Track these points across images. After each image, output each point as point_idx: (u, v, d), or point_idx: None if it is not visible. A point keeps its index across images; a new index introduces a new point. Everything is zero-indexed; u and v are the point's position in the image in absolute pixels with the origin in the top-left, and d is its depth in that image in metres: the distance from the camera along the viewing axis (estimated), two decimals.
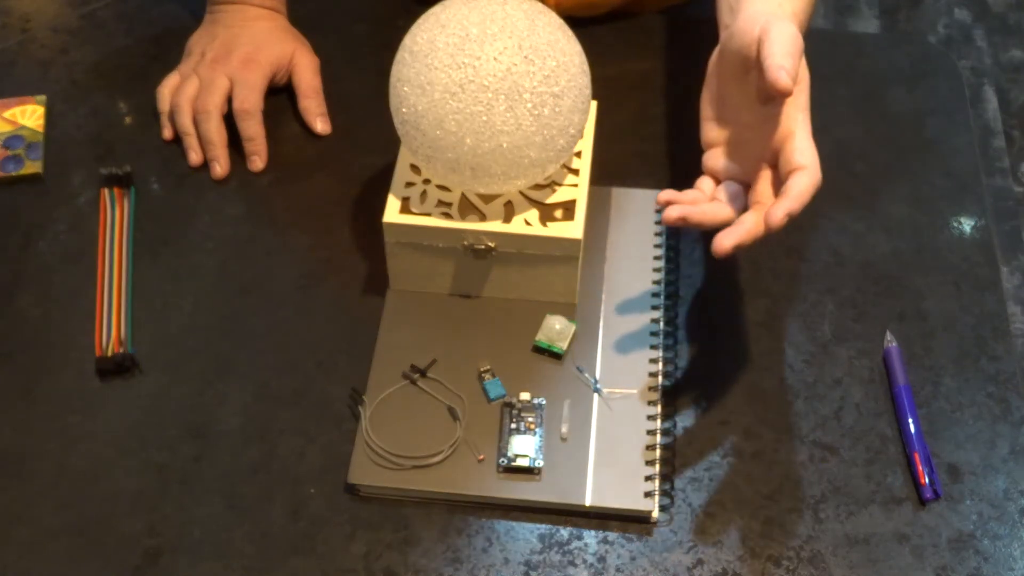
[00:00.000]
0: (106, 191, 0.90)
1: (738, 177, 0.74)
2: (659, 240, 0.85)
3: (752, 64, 0.71)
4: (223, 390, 0.79)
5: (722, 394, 0.79)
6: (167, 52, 0.99)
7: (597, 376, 0.78)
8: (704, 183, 0.75)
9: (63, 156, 0.94)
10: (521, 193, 0.80)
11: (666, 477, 0.74)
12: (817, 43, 1.03)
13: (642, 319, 0.81)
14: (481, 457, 0.75)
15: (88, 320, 0.82)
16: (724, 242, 0.69)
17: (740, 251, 0.69)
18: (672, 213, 0.71)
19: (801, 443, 0.77)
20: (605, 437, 0.75)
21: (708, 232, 0.88)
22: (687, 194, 0.73)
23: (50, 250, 0.88)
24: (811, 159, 0.70)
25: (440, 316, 0.82)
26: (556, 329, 0.79)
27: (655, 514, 0.73)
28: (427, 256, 0.80)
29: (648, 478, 0.73)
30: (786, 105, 0.71)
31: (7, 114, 0.96)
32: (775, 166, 0.72)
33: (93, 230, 0.88)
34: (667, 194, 0.72)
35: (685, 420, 0.78)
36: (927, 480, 0.74)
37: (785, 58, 0.68)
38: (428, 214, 0.78)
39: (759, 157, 0.73)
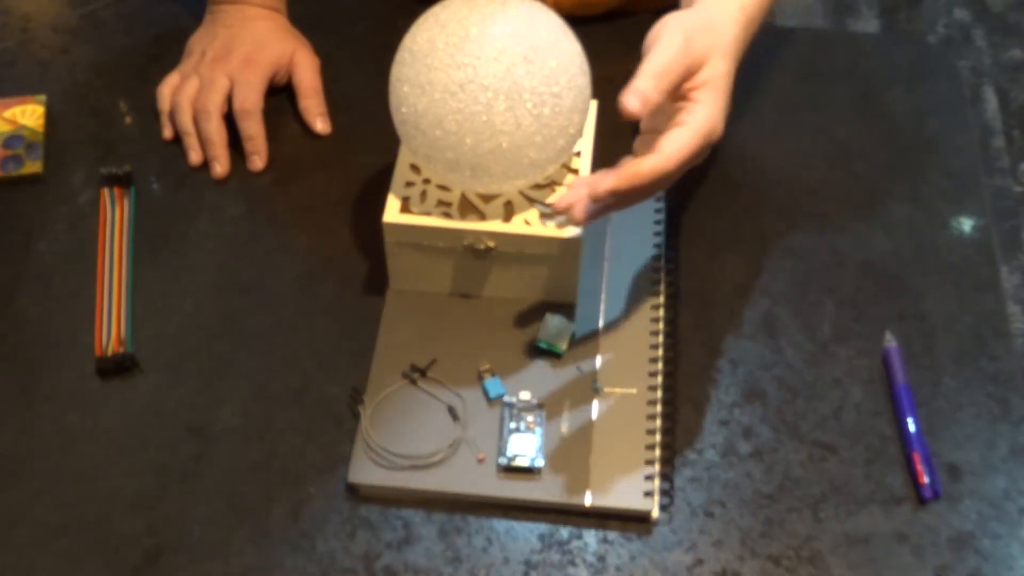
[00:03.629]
0: (106, 191, 0.90)
1: None
2: (659, 240, 0.85)
3: None
4: (223, 390, 0.79)
5: (722, 394, 0.79)
6: (167, 52, 0.99)
7: (597, 376, 0.78)
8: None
9: (63, 156, 0.94)
10: (521, 193, 0.80)
11: (666, 477, 0.74)
12: (817, 43, 1.04)
13: (642, 319, 0.81)
14: (481, 457, 0.75)
15: (88, 320, 0.82)
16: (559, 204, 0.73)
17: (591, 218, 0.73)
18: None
19: (801, 443, 0.77)
20: (605, 437, 0.75)
21: (707, 231, 0.88)
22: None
23: (50, 250, 0.88)
24: (669, 148, 0.70)
25: (440, 316, 0.82)
26: (556, 329, 0.79)
27: (655, 514, 0.73)
28: (427, 256, 0.80)
29: (648, 478, 0.73)
30: (695, 102, 0.72)
31: (7, 114, 0.96)
32: None
33: (93, 230, 0.88)
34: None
35: (685, 420, 0.78)
36: (927, 480, 0.74)
37: (645, 79, 0.69)
38: (428, 214, 0.78)
39: None
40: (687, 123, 0.72)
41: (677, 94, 0.73)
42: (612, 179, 0.70)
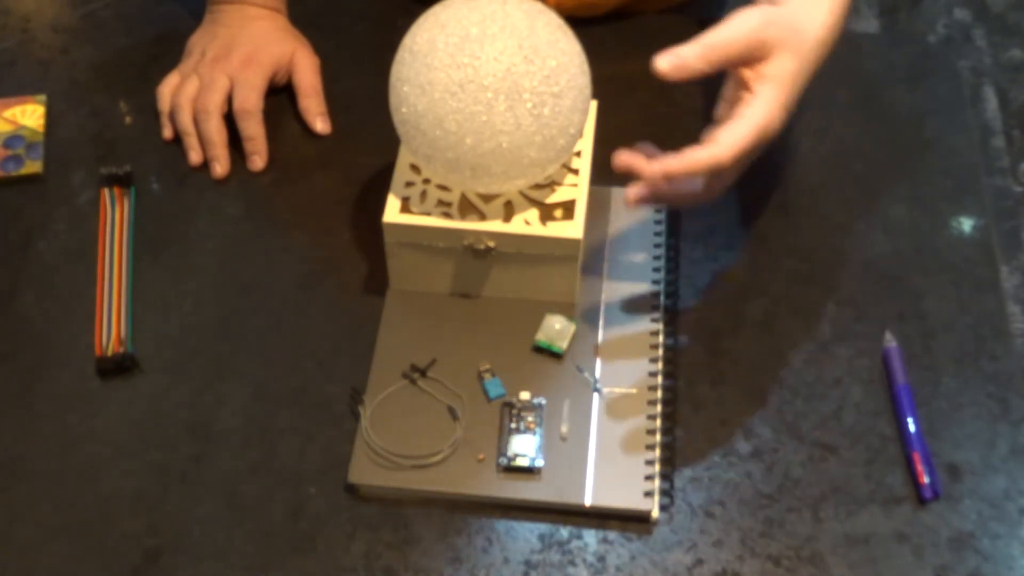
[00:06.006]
0: (106, 191, 0.90)
1: None
2: (659, 240, 0.85)
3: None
4: (223, 390, 0.80)
5: (722, 394, 0.79)
6: (167, 52, 0.99)
7: (597, 376, 0.78)
8: None
9: (63, 156, 0.94)
10: (521, 193, 0.80)
11: (666, 477, 0.74)
12: None
13: (642, 319, 0.81)
14: (481, 457, 0.75)
15: (88, 320, 0.82)
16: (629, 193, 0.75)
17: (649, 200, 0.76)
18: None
19: (801, 443, 0.77)
20: (605, 437, 0.75)
21: (707, 231, 0.88)
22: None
23: (50, 250, 0.88)
24: (726, 140, 0.72)
25: (440, 316, 0.82)
26: (556, 329, 0.79)
27: (655, 514, 0.73)
28: (427, 256, 0.80)
29: (648, 478, 0.73)
30: (755, 95, 0.74)
31: (7, 114, 0.96)
32: None
33: (93, 230, 0.88)
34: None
35: (685, 420, 0.78)
36: (927, 480, 0.74)
37: (693, 45, 0.72)
38: (428, 214, 0.78)
39: None
40: (744, 116, 0.73)
41: (741, 83, 0.74)
42: (673, 161, 0.72)
